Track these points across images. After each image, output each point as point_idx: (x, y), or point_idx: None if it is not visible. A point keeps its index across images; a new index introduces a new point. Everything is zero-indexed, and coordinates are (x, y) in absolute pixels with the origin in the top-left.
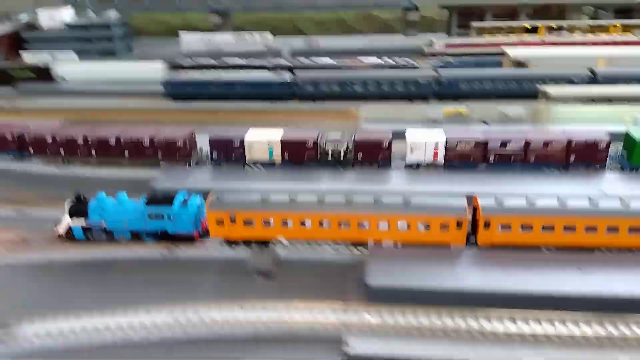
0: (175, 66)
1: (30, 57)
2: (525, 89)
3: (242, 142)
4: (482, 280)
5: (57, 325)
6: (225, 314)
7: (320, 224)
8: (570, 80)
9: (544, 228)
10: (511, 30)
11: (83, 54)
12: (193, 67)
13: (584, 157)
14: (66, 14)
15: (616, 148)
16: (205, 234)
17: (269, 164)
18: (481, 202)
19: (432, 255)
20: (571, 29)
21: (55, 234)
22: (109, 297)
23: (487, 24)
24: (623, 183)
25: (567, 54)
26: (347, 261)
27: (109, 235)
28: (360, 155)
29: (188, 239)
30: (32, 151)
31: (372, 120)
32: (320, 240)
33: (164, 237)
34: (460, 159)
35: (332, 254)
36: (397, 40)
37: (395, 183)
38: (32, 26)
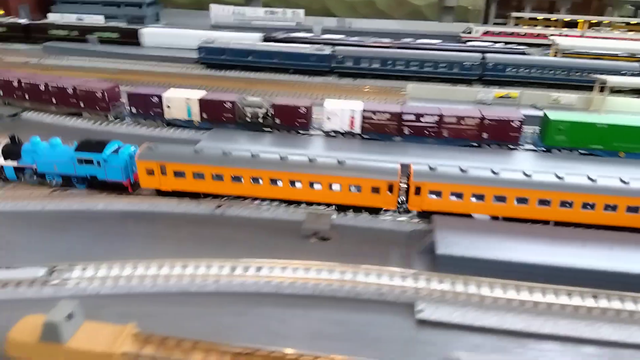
0: (269, 39)
1: (56, 18)
2: (574, 79)
3: (160, 99)
4: (559, 255)
5: (104, 272)
6: (287, 272)
7: (255, 180)
8: (620, 72)
9: (474, 196)
10: (550, 23)
11: (110, 19)
12: (287, 41)
13: (497, 134)
14: None
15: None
16: (137, 184)
17: (188, 123)
18: (413, 167)
19: (504, 227)
20: (611, 25)
21: None
22: (157, 248)
23: (527, 15)
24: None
25: (614, 46)
26: (405, 230)
27: (40, 178)
28: (278, 120)
29: (118, 187)
30: None
31: (419, 99)
32: (254, 197)
33: (94, 183)
34: (376, 130)
35: (389, 222)
36: (432, 26)
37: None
38: None
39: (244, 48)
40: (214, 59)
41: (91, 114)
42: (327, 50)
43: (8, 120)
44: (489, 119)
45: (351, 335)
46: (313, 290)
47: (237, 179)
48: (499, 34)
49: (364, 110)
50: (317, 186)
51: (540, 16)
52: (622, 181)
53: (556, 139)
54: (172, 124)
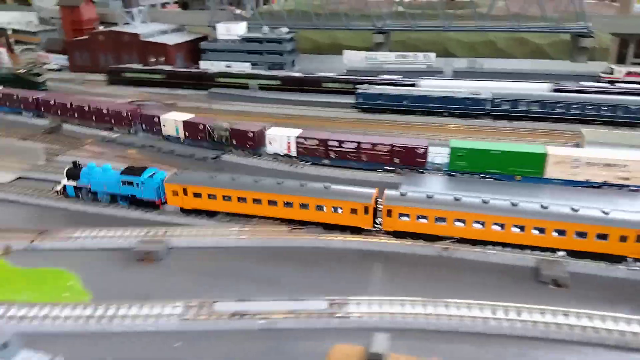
0: (559, 89)
1: (207, 66)
2: None
3: (159, 119)
4: None
5: (376, 307)
6: (547, 317)
7: (256, 201)
8: None
9: (438, 219)
10: None
11: (253, 66)
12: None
13: (405, 160)
14: (241, 28)
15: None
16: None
17: (177, 140)
18: (386, 192)
19: None
20: None
21: (53, 191)
22: (402, 287)
23: None
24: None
25: None
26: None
27: (94, 196)
28: (234, 141)
29: (152, 205)
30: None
31: (597, 143)
32: (259, 216)
33: (133, 201)
34: (308, 153)
35: (623, 271)
36: (564, 65)
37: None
38: (205, 38)
39: (399, 93)
40: (371, 103)
41: (119, 129)
42: (484, 93)
43: (212, 162)
44: (397, 146)
45: None
46: (576, 335)
47: (242, 199)
48: None
49: (298, 137)
50: (305, 207)
51: None
52: (572, 209)
53: (457, 164)
54: (168, 139)
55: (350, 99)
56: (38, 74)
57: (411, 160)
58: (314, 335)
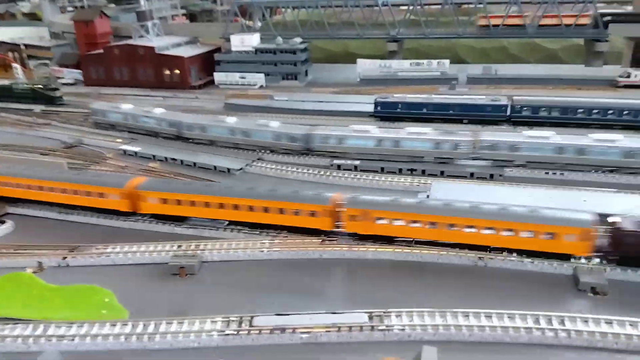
0: None
1: (221, 77)
2: None
3: None
4: None
5: (417, 319)
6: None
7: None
8: None
9: (178, 202)
10: None
11: (268, 77)
12: None
13: None
14: (255, 39)
15: None
16: None
17: None
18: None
19: None
20: None
21: None
22: (438, 297)
23: None
24: None
25: None
26: None
27: None
28: None
29: None
30: None
31: None
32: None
33: None
34: None
35: None
36: (579, 70)
37: None
38: (218, 49)
39: (419, 101)
40: (389, 112)
41: None
42: (504, 100)
43: None
44: None
45: None
46: (622, 343)
47: None
48: None
49: None
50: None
51: None
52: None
53: None
54: None
55: (368, 108)
56: (56, 89)
57: None
58: (357, 349)
